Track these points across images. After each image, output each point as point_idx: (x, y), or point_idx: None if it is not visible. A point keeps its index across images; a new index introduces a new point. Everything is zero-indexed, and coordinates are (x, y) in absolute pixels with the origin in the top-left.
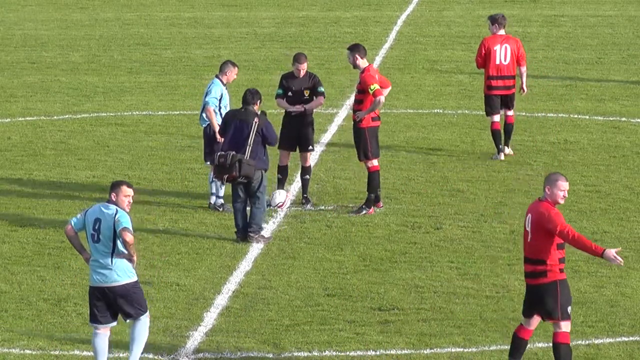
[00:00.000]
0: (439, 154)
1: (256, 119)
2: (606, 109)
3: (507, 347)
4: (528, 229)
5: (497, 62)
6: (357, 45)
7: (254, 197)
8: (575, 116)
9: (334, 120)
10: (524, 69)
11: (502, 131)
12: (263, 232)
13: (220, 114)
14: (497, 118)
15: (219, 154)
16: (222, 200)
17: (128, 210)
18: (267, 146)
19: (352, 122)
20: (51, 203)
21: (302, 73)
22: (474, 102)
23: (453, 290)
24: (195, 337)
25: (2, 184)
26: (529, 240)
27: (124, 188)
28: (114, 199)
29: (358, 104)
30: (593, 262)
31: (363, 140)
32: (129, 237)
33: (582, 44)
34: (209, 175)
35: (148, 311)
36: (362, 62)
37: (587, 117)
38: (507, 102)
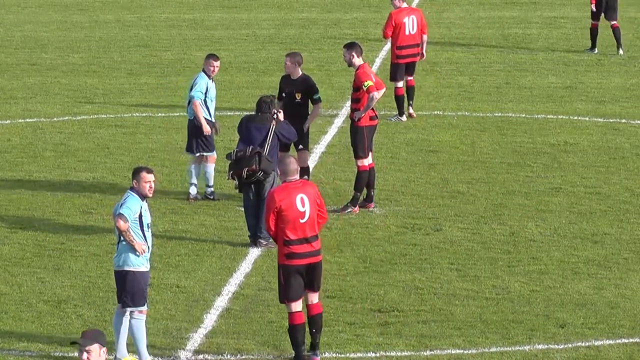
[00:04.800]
0: (438, 156)
1: (273, 122)
2: (606, 110)
3: (508, 349)
4: (304, 209)
5: (407, 32)
6: (354, 43)
7: (264, 202)
8: (575, 118)
9: (333, 122)
10: (425, 37)
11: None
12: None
13: (207, 107)
14: (400, 84)
15: (236, 150)
16: (212, 189)
17: (150, 195)
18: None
19: (350, 121)
20: (51, 205)
21: (290, 68)
22: (474, 104)
23: (453, 291)
24: (195, 339)
25: (2, 186)
26: (304, 220)
27: (144, 174)
28: (136, 186)
29: (355, 103)
30: (593, 264)
31: (360, 139)
32: (119, 224)
33: (582, 45)
34: (189, 165)
35: (142, 309)
36: (358, 61)
37: (587, 118)
38: (411, 69)
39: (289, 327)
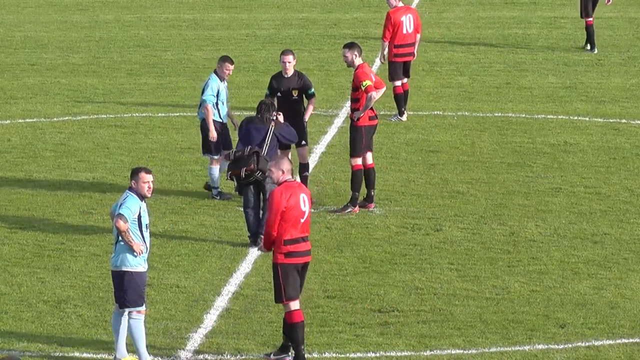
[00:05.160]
0: (438, 156)
1: (272, 124)
2: (606, 110)
3: (507, 349)
4: (305, 209)
5: (404, 31)
6: (354, 43)
7: (264, 202)
8: (575, 118)
9: (333, 122)
10: (419, 37)
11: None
12: None
13: (218, 110)
14: (399, 83)
15: (234, 150)
16: (217, 190)
17: (149, 196)
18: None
19: (350, 121)
20: (51, 205)
21: (288, 67)
22: (474, 104)
23: (453, 292)
24: (195, 339)
25: (2, 186)
26: (303, 219)
27: (142, 175)
28: (135, 187)
29: (355, 103)
30: (593, 264)
31: (358, 138)
32: (119, 224)
33: (582, 45)
34: (208, 167)
35: (141, 309)
36: (358, 60)
37: (587, 118)
38: (407, 68)
39: (290, 326)
